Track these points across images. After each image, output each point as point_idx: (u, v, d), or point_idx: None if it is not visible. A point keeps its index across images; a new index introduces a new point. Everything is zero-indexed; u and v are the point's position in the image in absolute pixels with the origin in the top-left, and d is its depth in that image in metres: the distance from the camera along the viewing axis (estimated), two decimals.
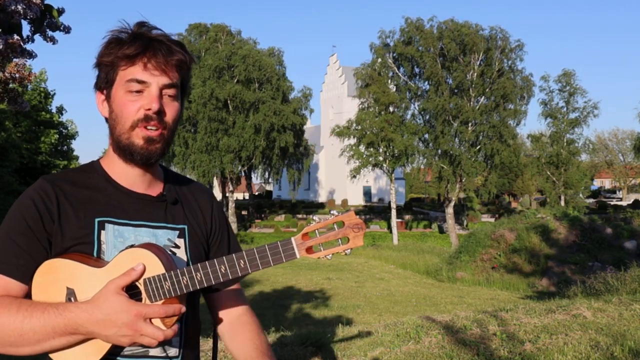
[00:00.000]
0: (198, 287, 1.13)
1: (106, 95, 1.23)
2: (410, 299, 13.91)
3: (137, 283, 1.13)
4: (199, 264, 1.12)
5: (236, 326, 1.39)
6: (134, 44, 1.17)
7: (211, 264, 1.12)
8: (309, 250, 1.08)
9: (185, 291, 1.12)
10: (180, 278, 1.12)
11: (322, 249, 1.08)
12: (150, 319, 1.09)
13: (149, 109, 1.17)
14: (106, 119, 1.25)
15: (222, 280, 1.12)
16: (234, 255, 1.11)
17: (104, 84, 1.22)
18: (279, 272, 18.86)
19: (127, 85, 1.18)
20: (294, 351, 4.33)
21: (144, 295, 1.13)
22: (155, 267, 1.12)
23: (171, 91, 1.21)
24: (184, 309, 1.12)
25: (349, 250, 1.07)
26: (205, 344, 4.04)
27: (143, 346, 1.16)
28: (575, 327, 4.80)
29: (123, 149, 1.21)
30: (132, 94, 1.18)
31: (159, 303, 1.12)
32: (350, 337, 4.72)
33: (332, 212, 1.10)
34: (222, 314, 1.41)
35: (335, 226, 1.07)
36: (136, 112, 1.18)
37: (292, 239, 1.08)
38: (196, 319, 1.34)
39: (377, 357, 4.22)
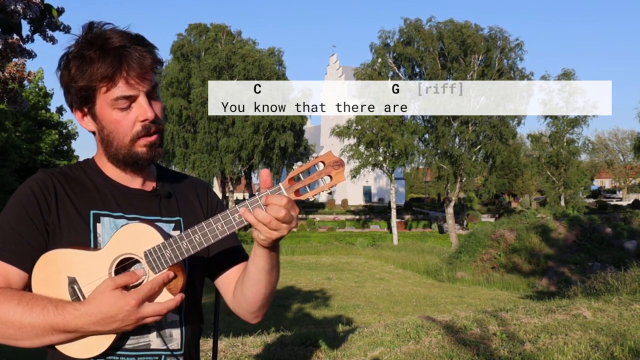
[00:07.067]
0: (198, 249, 1.13)
1: (88, 113, 1.22)
2: (410, 299, 13.90)
3: (138, 257, 1.14)
4: (195, 226, 1.13)
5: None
6: (106, 61, 1.14)
7: (207, 224, 1.12)
8: (297, 193, 1.10)
9: (186, 255, 1.13)
10: (180, 243, 1.13)
11: (308, 190, 1.11)
12: (151, 296, 1.11)
13: (145, 120, 1.19)
14: (92, 132, 1.26)
15: (220, 238, 1.12)
16: (227, 210, 1.12)
17: (82, 104, 1.21)
18: None
19: (114, 104, 1.17)
20: (294, 351, 4.33)
21: (146, 268, 1.14)
22: (154, 238, 1.14)
23: (154, 93, 1.22)
24: (172, 274, 1.14)
25: (334, 188, 1.09)
26: (205, 344, 4.04)
27: (146, 327, 1.17)
28: (575, 327, 4.80)
29: (124, 160, 1.22)
30: (122, 110, 1.18)
31: (163, 272, 1.14)
32: (351, 337, 4.72)
33: (312, 155, 1.10)
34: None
35: (316, 167, 1.10)
36: (132, 126, 1.19)
37: (280, 184, 1.10)
38: (197, 313, 1.34)
39: (377, 357, 4.22)
